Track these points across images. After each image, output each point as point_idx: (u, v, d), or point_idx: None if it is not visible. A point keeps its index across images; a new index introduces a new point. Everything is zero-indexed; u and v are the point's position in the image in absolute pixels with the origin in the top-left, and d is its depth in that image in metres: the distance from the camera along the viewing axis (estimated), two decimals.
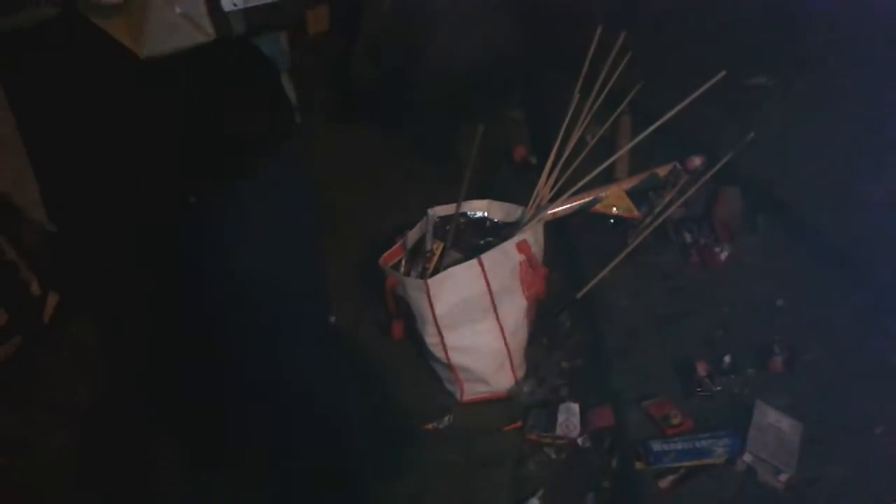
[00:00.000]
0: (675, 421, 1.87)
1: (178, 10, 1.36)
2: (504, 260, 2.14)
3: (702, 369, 1.97)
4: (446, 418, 2.16)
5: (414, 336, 2.24)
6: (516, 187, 2.52)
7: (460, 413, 2.17)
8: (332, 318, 2.46)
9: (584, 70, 2.43)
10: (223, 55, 1.32)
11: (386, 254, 2.32)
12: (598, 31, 2.44)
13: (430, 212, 2.34)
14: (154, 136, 1.21)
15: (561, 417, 2.03)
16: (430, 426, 2.14)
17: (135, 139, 1.19)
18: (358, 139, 3.09)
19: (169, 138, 1.25)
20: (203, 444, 1.39)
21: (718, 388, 1.94)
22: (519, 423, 2.09)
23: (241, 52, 1.47)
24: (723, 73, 2.20)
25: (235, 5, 1.37)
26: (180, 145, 1.29)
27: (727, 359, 1.99)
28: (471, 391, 2.19)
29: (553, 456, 2.01)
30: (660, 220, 2.32)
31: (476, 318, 2.13)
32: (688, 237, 2.34)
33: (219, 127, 1.40)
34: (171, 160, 1.26)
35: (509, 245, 2.15)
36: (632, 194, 2.47)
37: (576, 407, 2.05)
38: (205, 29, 1.27)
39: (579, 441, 2.00)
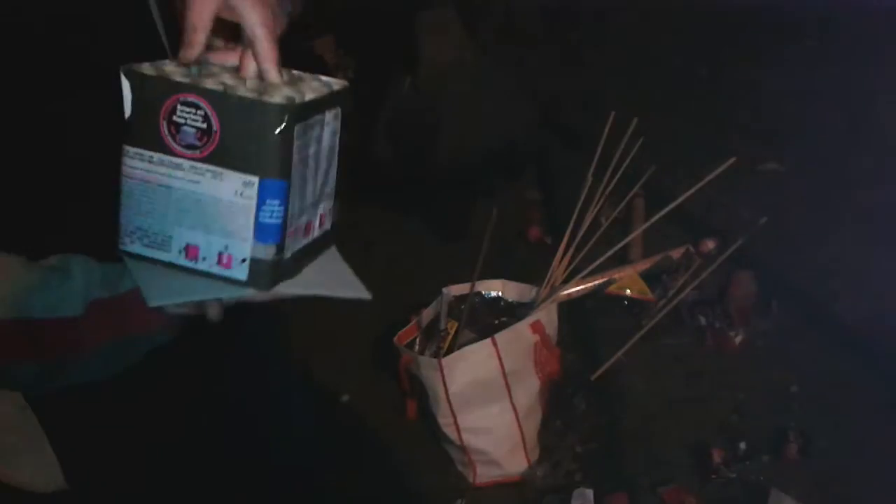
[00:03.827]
0: None
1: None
2: (518, 340, 2.14)
3: (717, 455, 1.95)
4: (458, 502, 2.13)
5: (427, 416, 2.23)
6: (531, 267, 2.55)
7: (473, 497, 2.14)
8: (345, 397, 2.46)
9: (598, 153, 2.48)
10: None
11: (401, 332, 2.32)
12: (612, 116, 2.49)
13: (445, 291, 2.35)
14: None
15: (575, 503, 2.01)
16: None
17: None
18: (374, 217, 3.14)
19: None
20: None
21: (734, 474, 1.92)
22: None
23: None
24: (732, 159, 2.23)
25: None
26: None
27: (742, 445, 1.98)
28: (484, 474, 2.17)
29: None
30: (673, 303, 2.33)
31: (489, 399, 2.12)
32: (702, 320, 2.35)
33: None
34: None
35: (523, 325, 2.15)
36: (646, 277, 2.49)
37: (590, 493, 2.02)
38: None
39: None
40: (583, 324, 2.50)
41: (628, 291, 2.47)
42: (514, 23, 3.54)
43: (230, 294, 0.90)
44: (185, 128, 0.85)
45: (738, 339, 2.27)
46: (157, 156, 0.86)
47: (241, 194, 0.86)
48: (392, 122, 3.20)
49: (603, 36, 3.82)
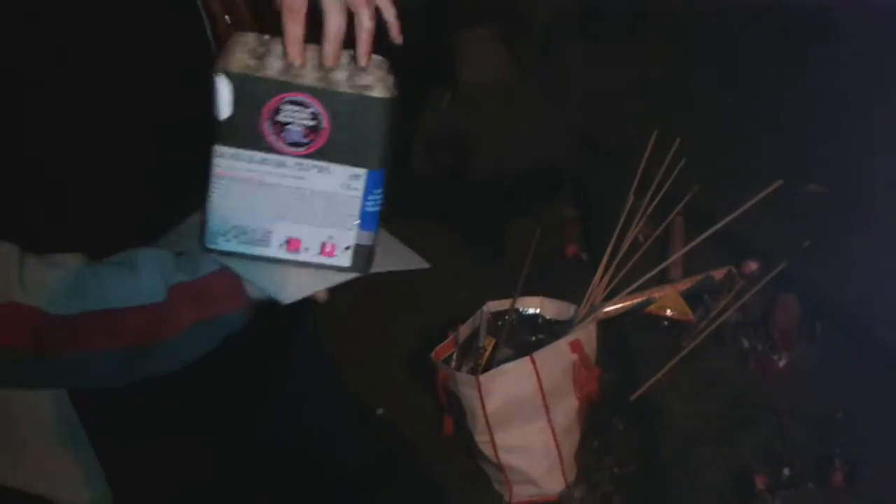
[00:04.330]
0: None
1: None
2: (556, 359, 2.12)
3: (760, 482, 1.91)
4: None
5: (463, 433, 2.21)
6: (567, 283, 2.53)
7: None
8: (380, 411, 2.45)
9: (640, 172, 2.46)
10: None
11: (438, 347, 2.31)
12: (654, 135, 2.47)
13: (485, 307, 2.34)
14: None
15: None
16: None
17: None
18: (412, 233, 3.13)
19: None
20: None
21: (777, 502, 1.88)
22: None
23: None
24: (779, 182, 2.20)
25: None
26: None
27: (786, 471, 1.93)
28: (519, 493, 2.14)
29: None
30: (715, 324, 2.29)
31: (527, 418, 2.10)
32: (745, 343, 2.31)
33: None
34: None
35: (562, 344, 2.14)
36: (687, 297, 2.45)
37: None
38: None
39: None
40: (621, 343, 2.47)
41: (668, 311, 2.44)
42: (553, 43, 3.54)
43: (336, 280, 0.94)
44: (292, 126, 0.84)
45: (781, 363, 2.23)
46: (258, 154, 0.86)
47: (348, 186, 0.88)
48: (430, 138, 3.21)
49: (639, 55, 3.80)
